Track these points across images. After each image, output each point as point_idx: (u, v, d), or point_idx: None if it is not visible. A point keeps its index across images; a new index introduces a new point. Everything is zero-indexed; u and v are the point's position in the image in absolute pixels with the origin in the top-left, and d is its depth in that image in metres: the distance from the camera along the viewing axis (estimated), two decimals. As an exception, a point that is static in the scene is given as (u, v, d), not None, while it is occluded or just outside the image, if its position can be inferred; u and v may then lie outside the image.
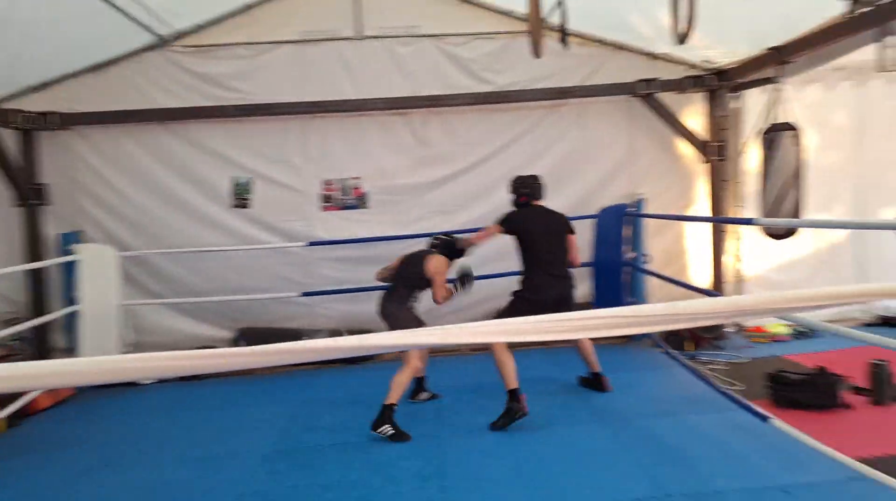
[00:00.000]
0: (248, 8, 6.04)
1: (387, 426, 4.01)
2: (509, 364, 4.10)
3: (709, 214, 6.46)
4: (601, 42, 6.27)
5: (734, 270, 6.51)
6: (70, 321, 5.49)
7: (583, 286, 5.79)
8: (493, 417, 4.15)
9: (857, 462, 3.00)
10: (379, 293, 4.59)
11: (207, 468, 3.81)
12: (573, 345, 4.79)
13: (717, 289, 6.29)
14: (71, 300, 5.47)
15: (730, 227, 6.48)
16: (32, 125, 5.79)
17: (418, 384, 4.79)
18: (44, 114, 5.80)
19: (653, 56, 6.32)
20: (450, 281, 4.47)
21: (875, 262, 6.49)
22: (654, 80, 6.16)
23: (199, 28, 6.03)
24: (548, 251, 4.43)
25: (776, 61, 5.20)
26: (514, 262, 4.67)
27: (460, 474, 3.47)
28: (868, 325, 6.23)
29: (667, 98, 6.27)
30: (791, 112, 5.08)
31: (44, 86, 5.91)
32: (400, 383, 4.11)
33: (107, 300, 5.47)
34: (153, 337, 6.05)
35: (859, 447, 3.77)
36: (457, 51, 6.27)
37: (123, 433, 4.58)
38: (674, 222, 6.47)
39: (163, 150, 6.14)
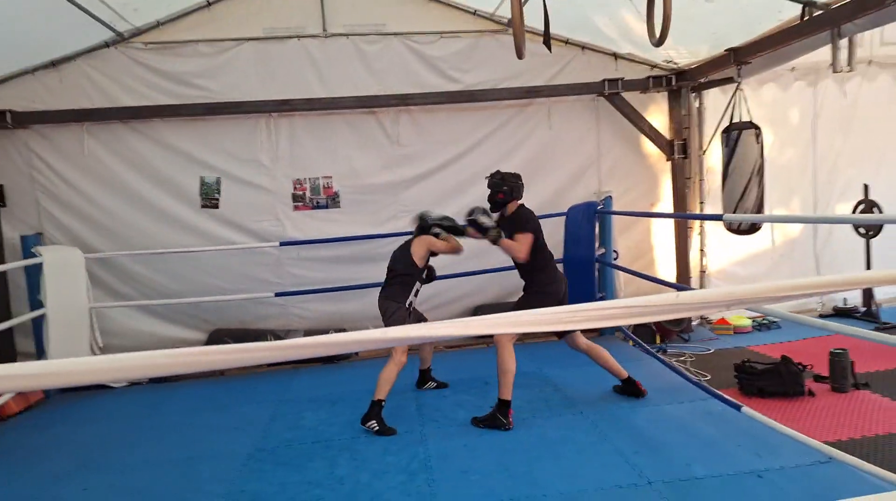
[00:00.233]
0: (209, 4, 5.97)
1: (373, 421, 4.06)
2: (510, 375, 4.05)
3: (672, 210, 6.65)
4: (567, 42, 6.39)
5: (699, 264, 6.72)
6: (37, 326, 5.33)
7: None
8: (475, 412, 4.21)
9: (826, 446, 3.14)
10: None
11: (191, 468, 3.75)
12: (554, 339, 4.73)
13: (682, 283, 6.48)
14: (36, 304, 5.29)
15: (694, 223, 6.69)
16: (-15, 124, 5.57)
17: (423, 375, 4.91)
18: (-2, 112, 5.60)
19: (617, 56, 6.48)
20: (465, 224, 4.39)
21: (829, 254, 6.81)
22: (618, 79, 6.30)
23: (158, 24, 5.92)
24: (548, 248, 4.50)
25: (735, 62, 5.39)
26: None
27: (446, 468, 3.51)
28: (823, 316, 6.52)
29: (631, 97, 6.43)
30: (750, 111, 5.28)
31: (-2, 83, 5.72)
32: (387, 379, 4.13)
33: (75, 303, 5.33)
34: (122, 340, 5.90)
35: (824, 432, 3.97)
36: (424, 49, 6.29)
37: (101, 436, 4.47)
38: (641, 219, 6.64)
39: (127, 149, 6.00)
